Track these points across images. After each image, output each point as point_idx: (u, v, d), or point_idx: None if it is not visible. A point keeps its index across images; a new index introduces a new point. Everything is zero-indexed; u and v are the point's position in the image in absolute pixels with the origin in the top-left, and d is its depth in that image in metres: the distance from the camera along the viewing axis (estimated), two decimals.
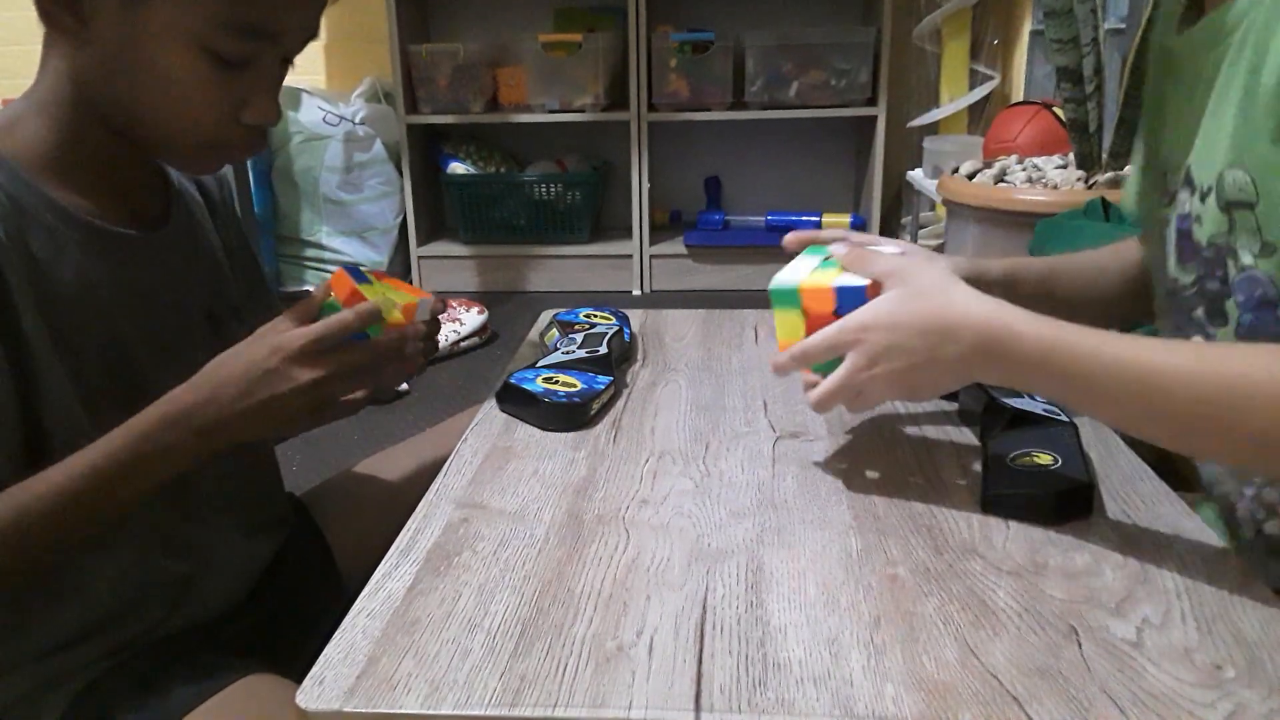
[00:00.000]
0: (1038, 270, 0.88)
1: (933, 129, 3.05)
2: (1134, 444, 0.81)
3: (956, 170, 2.09)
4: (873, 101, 3.09)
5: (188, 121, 0.71)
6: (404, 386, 0.68)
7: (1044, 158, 2.09)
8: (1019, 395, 0.81)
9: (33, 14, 0.68)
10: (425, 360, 0.82)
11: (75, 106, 0.71)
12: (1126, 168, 1.89)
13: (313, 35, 0.73)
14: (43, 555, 0.68)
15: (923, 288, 0.68)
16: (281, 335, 0.69)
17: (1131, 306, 0.89)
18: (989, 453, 0.74)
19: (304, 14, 0.72)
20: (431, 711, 0.51)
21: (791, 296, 0.73)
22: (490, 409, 0.90)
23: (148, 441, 0.67)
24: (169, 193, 0.82)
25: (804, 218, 3.27)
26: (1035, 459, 0.72)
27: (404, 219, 3.31)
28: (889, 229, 3.22)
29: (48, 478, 0.66)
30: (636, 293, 3.28)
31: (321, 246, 3.27)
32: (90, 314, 0.71)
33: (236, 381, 0.68)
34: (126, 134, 0.72)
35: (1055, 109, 2.19)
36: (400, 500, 0.76)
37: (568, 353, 0.95)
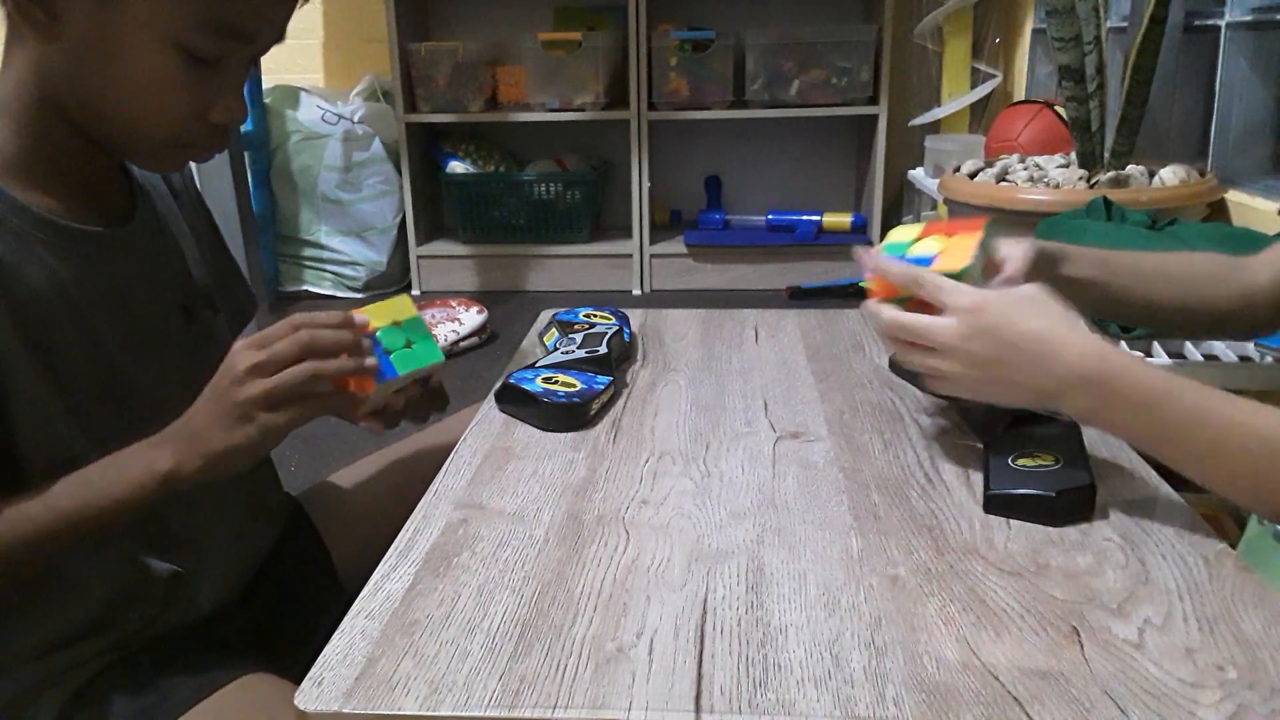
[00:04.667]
0: (1133, 269, 0.86)
1: (934, 128, 3.04)
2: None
3: (958, 169, 2.09)
4: (874, 100, 3.09)
5: (155, 119, 0.71)
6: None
7: (1046, 156, 2.09)
8: None
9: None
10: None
11: (40, 105, 0.71)
12: (1129, 167, 1.89)
13: (281, 38, 0.74)
14: (18, 572, 0.68)
15: (1047, 300, 0.69)
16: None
17: (1235, 324, 0.88)
18: (990, 453, 0.74)
19: (278, 15, 0.72)
20: (430, 713, 0.51)
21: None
22: (490, 409, 0.90)
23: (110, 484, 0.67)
24: (132, 187, 0.82)
25: (804, 217, 3.26)
26: (1037, 459, 0.71)
27: (403, 218, 3.30)
28: (890, 228, 3.21)
29: (25, 510, 0.66)
30: (636, 292, 3.27)
31: (321, 246, 3.27)
32: (62, 315, 0.71)
33: (200, 408, 0.68)
34: (92, 132, 0.72)
35: (1057, 108, 2.19)
36: (399, 500, 0.76)
37: (567, 353, 0.95)
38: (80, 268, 0.72)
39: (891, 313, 0.73)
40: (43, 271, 0.70)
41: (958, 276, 0.72)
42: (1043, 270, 0.79)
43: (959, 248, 0.75)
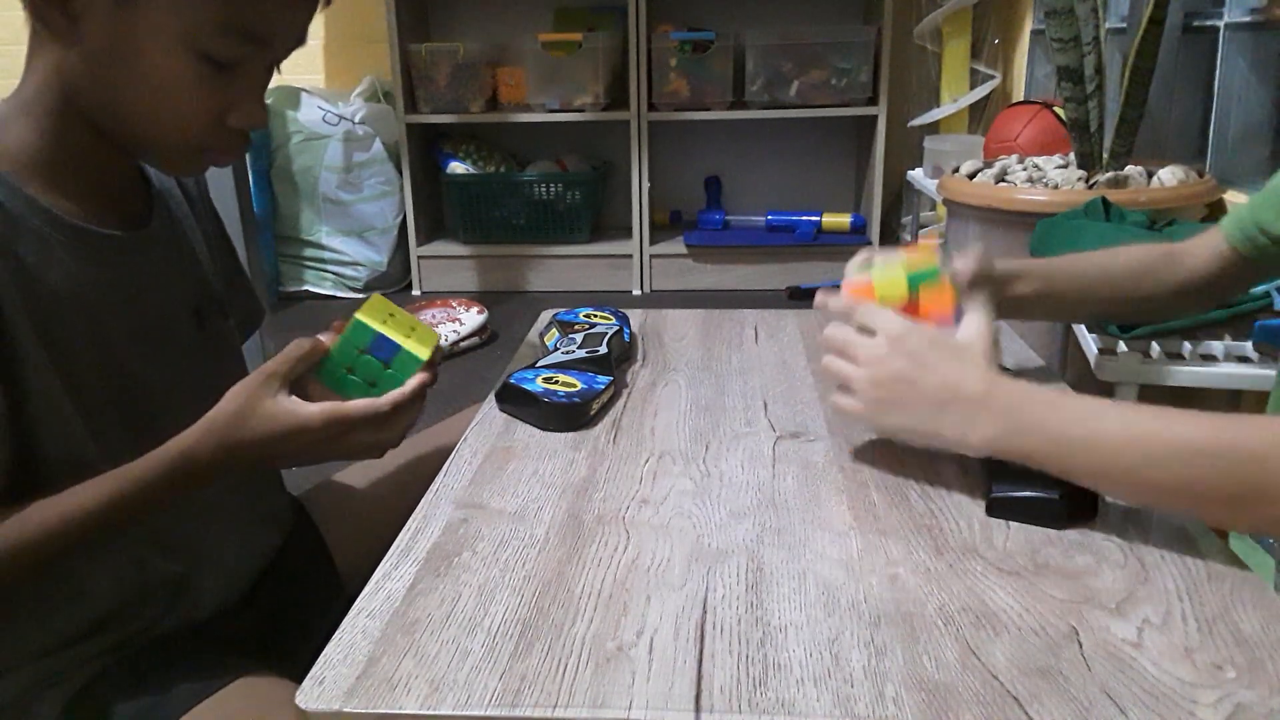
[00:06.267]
0: (1077, 278, 0.93)
1: (933, 128, 3.05)
2: None
3: (957, 170, 2.09)
4: (873, 101, 3.09)
5: (173, 123, 0.71)
6: None
7: (1045, 157, 2.09)
8: None
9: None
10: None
11: (61, 108, 0.71)
12: (1127, 167, 1.89)
13: (301, 42, 0.73)
14: (45, 568, 0.70)
15: (972, 345, 0.73)
16: (338, 414, 0.71)
17: (1174, 309, 0.97)
18: (991, 455, 0.74)
19: (295, 20, 0.72)
20: (431, 712, 0.51)
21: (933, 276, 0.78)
22: (490, 409, 0.90)
23: (166, 483, 0.70)
24: (150, 191, 0.82)
25: (804, 217, 3.27)
26: None
27: (403, 219, 3.31)
28: (889, 229, 3.22)
29: (62, 508, 0.68)
30: (636, 293, 3.28)
31: (321, 246, 3.28)
32: (80, 317, 0.71)
33: (261, 442, 0.70)
34: (111, 135, 0.72)
35: (1056, 108, 2.19)
36: (399, 500, 0.76)
37: (568, 353, 0.95)
38: (97, 270, 0.73)
39: (832, 326, 0.77)
40: (61, 273, 0.70)
41: (926, 275, 0.77)
42: (993, 288, 0.83)
43: (922, 257, 0.80)
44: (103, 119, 0.71)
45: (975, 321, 0.75)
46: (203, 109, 0.71)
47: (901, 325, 0.73)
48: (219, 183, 2.95)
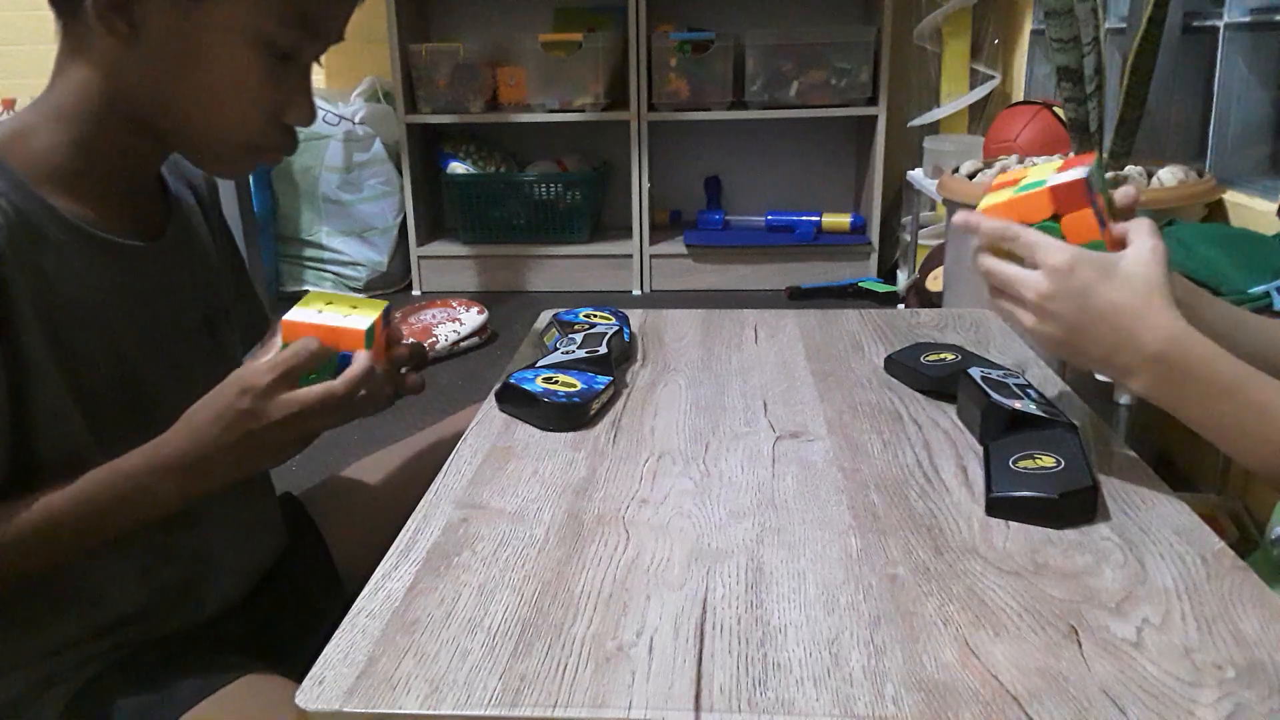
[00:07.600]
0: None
1: (933, 128, 3.04)
2: (1134, 443, 0.81)
3: (957, 170, 2.09)
4: (873, 101, 3.09)
5: (234, 120, 0.72)
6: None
7: (1044, 157, 2.09)
8: (1017, 397, 0.81)
9: (35, 14, 0.68)
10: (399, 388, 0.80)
11: (103, 113, 0.71)
12: (1127, 167, 1.89)
13: (342, 36, 0.76)
14: (35, 569, 0.70)
15: (1144, 275, 0.67)
16: (247, 373, 0.69)
17: None
18: (991, 455, 0.74)
19: (344, 10, 0.75)
20: (431, 711, 0.51)
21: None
22: (490, 409, 0.90)
23: (131, 482, 0.68)
24: (167, 200, 0.82)
25: (804, 217, 3.27)
26: (1038, 461, 0.71)
27: (404, 219, 3.31)
28: (889, 229, 3.22)
29: (46, 502, 0.67)
30: (636, 293, 3.28)
31: (321, 246, 3.27)
32: (93, 325, 0.71)
33: (212, 424, 0.68)
34: (167, 137, 0.73)
35: (1056, 109, 2.19)
36: (399, 500, 0.76)
37: (567, 353, 0.95)
38: (113, 280, 0.73)
39: (986, 259, 0.73)
40: (77, 281, 0.70)
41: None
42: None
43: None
44: (160, 121, 0.71)
45: (1148, 244, 0.68)
46: (264, 104, 0.72)
47: (1063, 258, 0.68)
48: (219, 183, 2.96)
